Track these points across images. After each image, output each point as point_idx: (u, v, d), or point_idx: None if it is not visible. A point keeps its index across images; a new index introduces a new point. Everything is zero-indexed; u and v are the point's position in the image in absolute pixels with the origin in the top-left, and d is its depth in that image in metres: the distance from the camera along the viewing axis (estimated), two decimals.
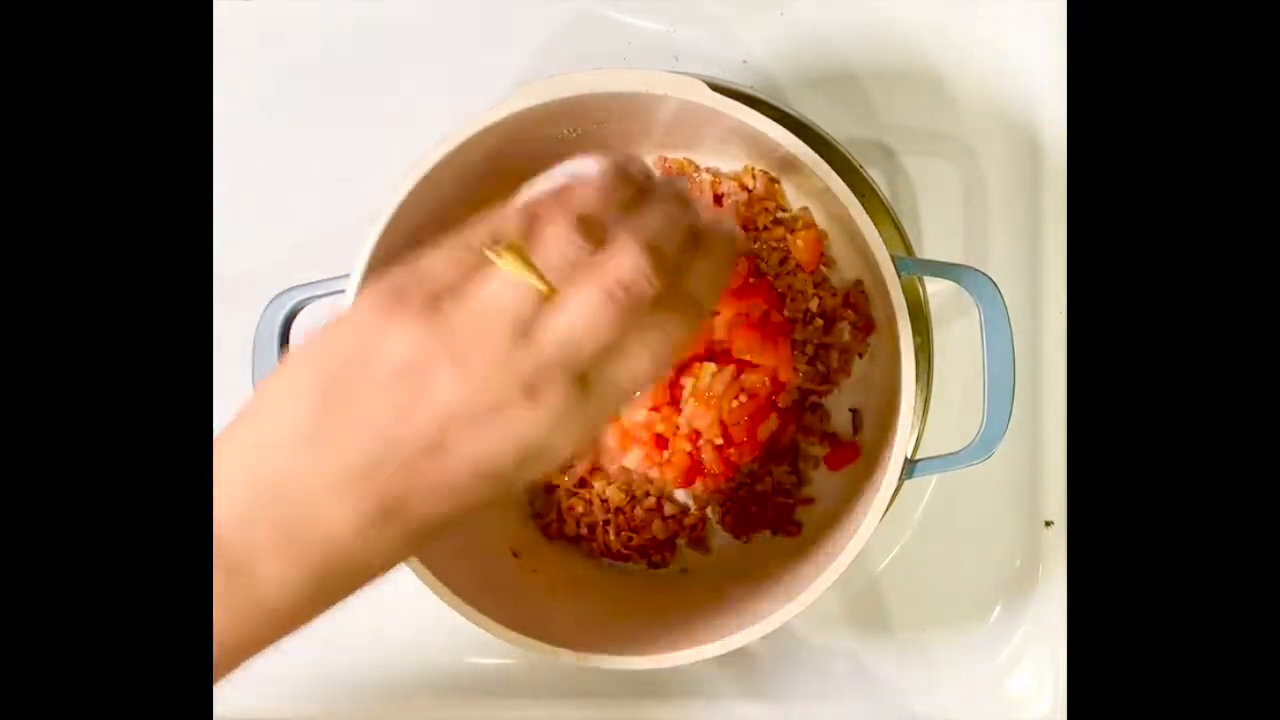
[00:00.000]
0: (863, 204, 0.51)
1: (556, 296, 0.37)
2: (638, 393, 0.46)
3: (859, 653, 0.63)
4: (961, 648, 0.63)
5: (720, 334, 0.60)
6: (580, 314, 0.37)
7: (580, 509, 0.62)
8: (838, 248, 0.61)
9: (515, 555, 0.60)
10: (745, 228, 0.60)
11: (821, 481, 0.62)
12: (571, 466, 0.62)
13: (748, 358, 0.59)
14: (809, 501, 0.62)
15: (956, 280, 0.52)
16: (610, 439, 0.61)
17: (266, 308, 0.54)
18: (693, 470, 0.60)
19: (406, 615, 0.64)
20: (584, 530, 0.62)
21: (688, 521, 0.62)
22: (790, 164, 0.53)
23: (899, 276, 0.50)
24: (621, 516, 0.62)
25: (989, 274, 0.52)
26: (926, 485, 0.63)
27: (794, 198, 0.61)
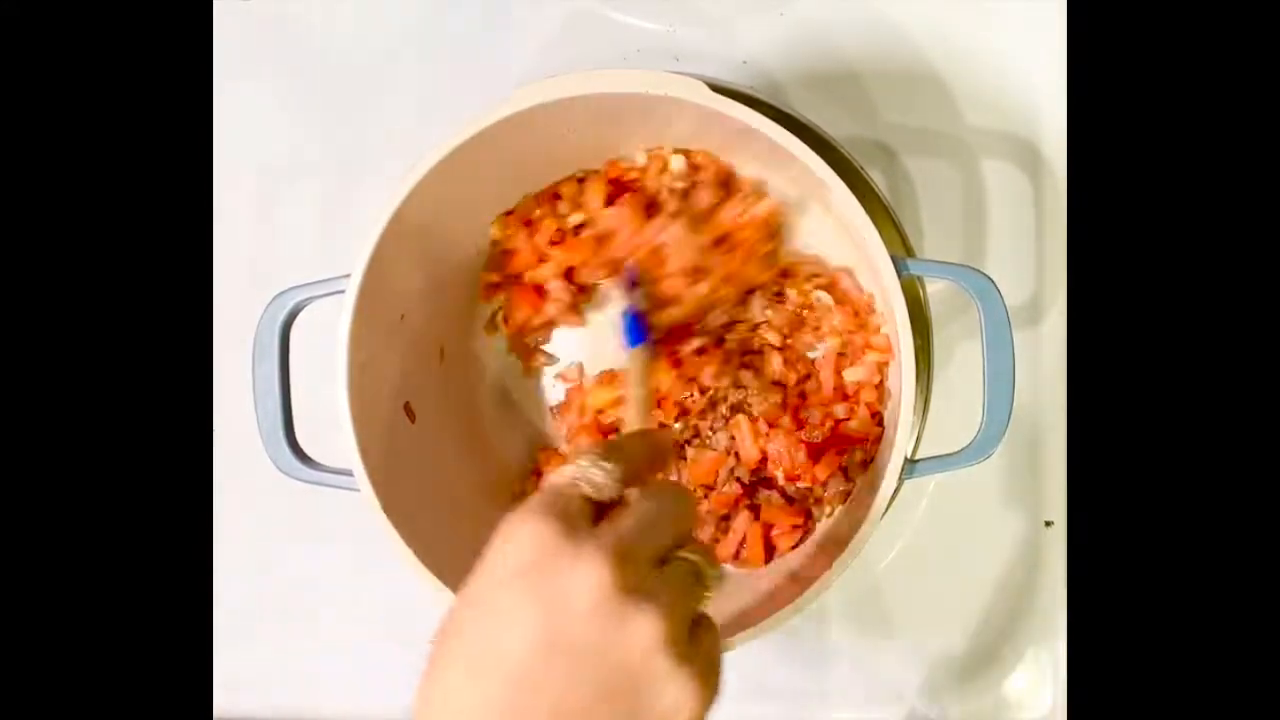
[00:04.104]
0: (863, 204, 0.50)
1: None
2: None
3: (859, 653, 0.63)
4: (961, 647, 0.63)
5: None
6: None
7: None
8: None
9: None
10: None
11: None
12: None
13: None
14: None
15: (956, 280, 0.52)
16: None
17: (266, 308, 0.54)
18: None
19: (408, 616, 0.64)
20: None
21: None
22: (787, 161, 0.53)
23: (899, 276, 0.50)
24: None
25: (989, 274, 0.52)
26: (926, 485, 0.63)
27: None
